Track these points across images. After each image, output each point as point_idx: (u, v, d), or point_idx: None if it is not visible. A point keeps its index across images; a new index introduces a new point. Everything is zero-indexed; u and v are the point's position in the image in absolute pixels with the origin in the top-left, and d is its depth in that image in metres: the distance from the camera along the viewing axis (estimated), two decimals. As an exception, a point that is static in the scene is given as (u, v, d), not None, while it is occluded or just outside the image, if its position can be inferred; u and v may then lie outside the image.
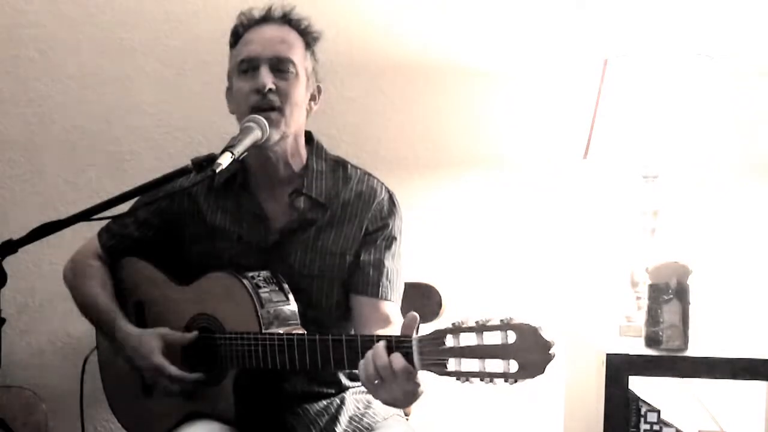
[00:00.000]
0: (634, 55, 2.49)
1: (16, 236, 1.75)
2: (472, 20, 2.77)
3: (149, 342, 2.04)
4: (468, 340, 1.63)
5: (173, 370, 2.01)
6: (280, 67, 2.05)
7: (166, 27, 2.82)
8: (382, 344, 1.73)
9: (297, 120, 2.09)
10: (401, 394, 1.74)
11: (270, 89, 2.02)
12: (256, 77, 2.04)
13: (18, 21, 2.82)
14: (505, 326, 1.60)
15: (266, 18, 2.11)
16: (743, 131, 2.67)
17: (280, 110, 2.03)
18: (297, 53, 2.09)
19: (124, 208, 1.91)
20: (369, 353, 1.74)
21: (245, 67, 2.06)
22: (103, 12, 2.82)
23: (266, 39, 2.07)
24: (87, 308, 2.21)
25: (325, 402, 2.12)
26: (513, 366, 1.60)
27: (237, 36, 2.12)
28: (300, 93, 2.08)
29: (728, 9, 2.69)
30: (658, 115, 2.44)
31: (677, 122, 2.45)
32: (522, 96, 2.77)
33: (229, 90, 2.15)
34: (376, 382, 1.73)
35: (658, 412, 2.28)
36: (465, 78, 2.78)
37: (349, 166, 2.19)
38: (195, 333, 2.04)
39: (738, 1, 2.70)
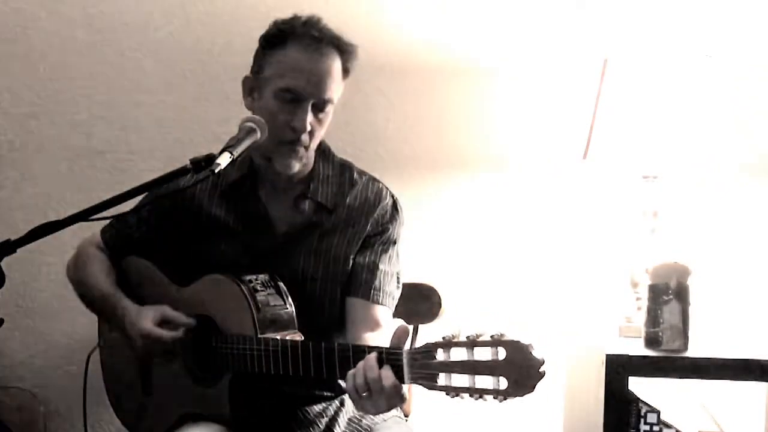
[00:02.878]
0: (634, 54, 2.49)
1: (14, 236, 1.74)
2: (472, 19, 2.76)
3: (143, 314, 2.03)
4: (458, 354, 1.62)
5: (158, 332, 1.99)
6: (320, 107, 2.03)
7: (165, 28, 2.81)
8: (373, 356, 1.72)
9: (315, 146, 2.10)
10: (386, 407, 1.74)
11: (308, 131, 2.02)
12: (296, 114, 2.00)
13: (17, 21, 2.82)
14: (495, 342, 1.59)
15: (320, 40, 2.02)
16: (743, 131, 2.67)
17: (306, 147, 2.04)
18: (337, 88, 2.04)
19: (123, 208, 1.90)
20: (360, 364, 1.73)
21: (288, 97, 2.01)
22: (102, 12, 2.82)
23: (316, 74, 2.00)
24: (88, 291, 2.19)
25: (323, 404, 2.11)
26: (503, 383, 1.59)
27: (282, 39, 2.03)
28: (326, 125, 2.08)
29: (728, 9, 2.69)
30: (658, 115, 2.44)
31: (677, 122, 2.45)
32: (522, 96, 2.76)
33: (254, 88, 2.07)
34: (364, 394, 1.73)
35: (658, 412, 2.28)
36: (464, 78, 2.78)
37: (355, 171, 2.18)
38: (193, 319, 2.03)
39: (738, 1, 2.69)
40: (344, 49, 2.06)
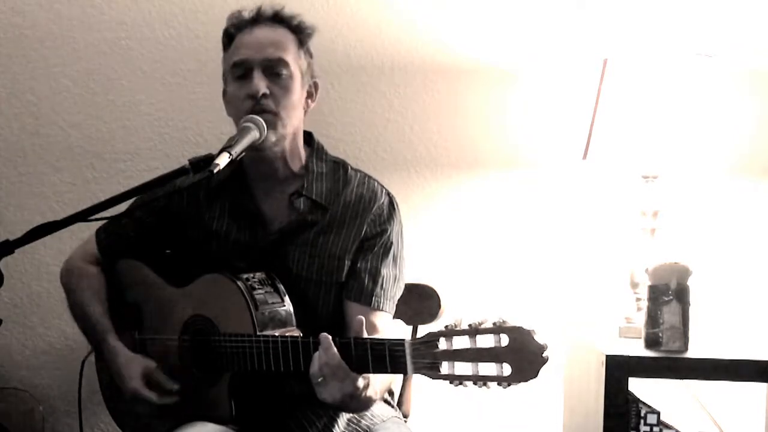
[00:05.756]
0: (634, 54, 2.49)
1: (13, 237, 1.74)
2: (471, 20, 2.76)
3: (133, 367, 2.07)
4: (461, 343, 1.63)
5: (149, 395, 2.05)
6: (274, 70, 2.05)
7: (164, 27, 2.81)
8: (327, 340, 1.75)
9: (294, 121, 2.09)
10: (339, 394, 1.75)
11: (264, 94, 2.02)
12: (249, 82, 2.03)
13: (15, 21, 2.81)
14: (497, 329, 1.60)
15: (257, 19, 2.09)
16: (743, 131, 2.66)
17: (275, 114, 2.03)
18: (290, 53, 2.07)
19: (121, 208, 1.90)
20: (316, 353, 1.77)
21: (239, 73, 2.06)
22: (101, 12, 2.81)
23: (258, 42, 2.06)
24: (79, 315, 2.21)
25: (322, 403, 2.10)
26: (506, 369, 1.59)
27: (229, 38, 2.11)
28: (295, 94, 2.07)
29: (728, 9, 2.68)
30: (658, 115, 2.44)
31: (677, 122, 2.44)
32: (521, 96, 2.76)
33: (225, 93, 2.14)
34: (319, 380, 1.75)
35: (658, 413, 2.28)
36: (464, 78, 2.77)
37: (349, 168, 2.18)
38: (176, 386, 2.06)
39: (737, 1, 2.69)
40: (287, 22, 2.10)
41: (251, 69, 2.04)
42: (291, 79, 2.06)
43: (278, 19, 2.10)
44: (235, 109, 2.07)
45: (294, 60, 2.07)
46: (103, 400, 2.29)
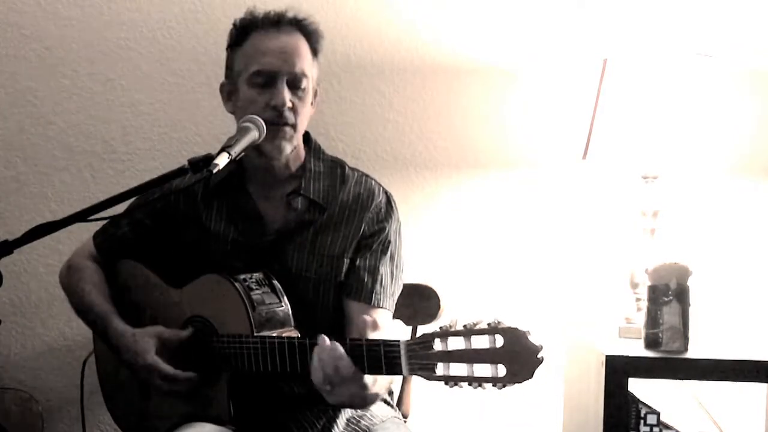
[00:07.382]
0: (634, 54, 2.49)
1: (12, 237, 1.74)
2: (470, 20, 2.76)
3: (144, 341, 2.03)
4: (456, 344, 1.62)
5: (168, 369, 2.00)
6: (296, 83, 2.04)
7: (163, 28, 2.81)
8: (331, 345, 1.73)
9: (304, 128, 2.10)
10: (348, 398, 1.75)
11: (288, 108, 2.02)
12: (273, 94, 2.02)
13: (14, 21, 2.81)
14: (492, 330, 1.59)
15: (278, 23, 2.06)
16: (743, 131, 2.66)
17: (293, 126, 2.04)
18: (309, 65, 2.07)
19: (120, 208, 1.90)
20: (315, 358, 1.75)
21: (261, 81, 2.03)
22: (101, 12, 2.81)
23: (284, 52, 2.03)
24: (81, 308, 2.20)
25: (322, 404, 2.10)
26: (501, 370, 1.58)
27: (244, 34, 2.08)
28: (308, 104, 2.09)
29: (728, 9, 2.68)
30: (658, 115, 2.44)
31: (677, 122, 2.44)
32: (521, 96, 2.76)
33: (231, 91, 2.11)
34: (327, 387, 1.73)
35: (658, 414, 2.28)
36: (463, 78, 2.77)
37: (346, 167, 2.18)
38: (190, 330, 2.03)
39: (737, 1, 2.69)
40: (306, 29, 2.09)
41: (275, 80, 2.03)
42: (307, 93, 2.07)
43: (299, 25, 2.08)
44: (247, 113, 2.02)
45: (309, 70, 2.07)
46: (103, 401, 2.29)
